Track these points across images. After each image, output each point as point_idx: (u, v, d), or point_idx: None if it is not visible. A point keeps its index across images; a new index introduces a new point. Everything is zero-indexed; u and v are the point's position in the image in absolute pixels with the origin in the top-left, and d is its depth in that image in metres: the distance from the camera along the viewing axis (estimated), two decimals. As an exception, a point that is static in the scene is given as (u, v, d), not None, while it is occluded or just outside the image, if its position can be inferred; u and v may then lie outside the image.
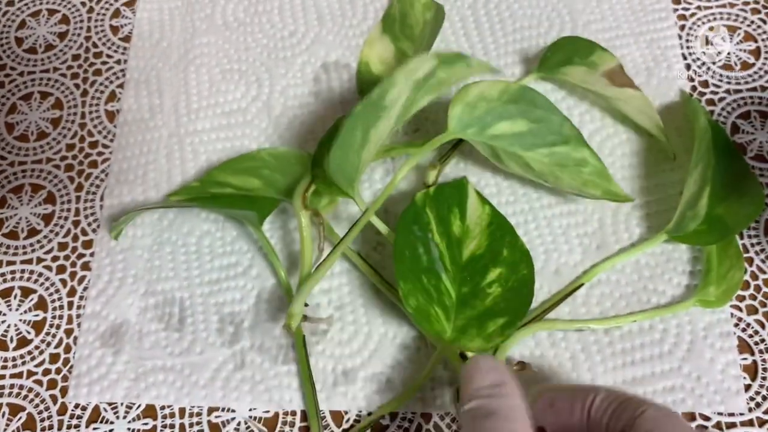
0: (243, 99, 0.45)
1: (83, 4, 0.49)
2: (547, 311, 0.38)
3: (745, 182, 0.39)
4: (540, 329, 0.37)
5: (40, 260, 0.41)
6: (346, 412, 0.37)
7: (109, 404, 0.38)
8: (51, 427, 0.37)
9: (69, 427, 0.37)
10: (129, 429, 0.37)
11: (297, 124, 0.44)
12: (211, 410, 0.38)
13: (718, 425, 0.36)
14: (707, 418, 0.36)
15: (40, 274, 0.41)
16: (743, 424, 0.36)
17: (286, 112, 0.44)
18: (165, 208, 0.39)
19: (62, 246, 0.42)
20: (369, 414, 0.37)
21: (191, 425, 0.37)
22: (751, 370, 0.37)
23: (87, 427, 0.37)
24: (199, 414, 0.38)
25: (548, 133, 0.38)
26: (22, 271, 0.41)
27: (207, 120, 0.44)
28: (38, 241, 0.42)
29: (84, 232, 0.42)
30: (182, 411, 0.38)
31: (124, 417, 0.38)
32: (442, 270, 0.35)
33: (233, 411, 0.38)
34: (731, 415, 0.36)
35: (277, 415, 0.38)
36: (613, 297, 0.38)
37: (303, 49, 0.46)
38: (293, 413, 0.38)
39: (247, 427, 0.37)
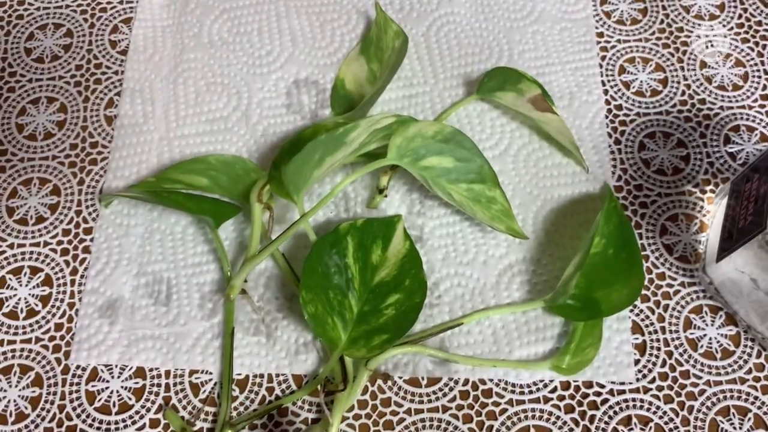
0: (225, 108, 0.52)
1: (85, 20, 0.56)
2: (425, 338, 0.45)
3: (631, 276, 0.44)
4: (412, 351, 0.44)
5: (46, 244, 0.48)
6: (305, 376, 0.45)
7: (105, 366, 0.45)
8: (56, 383, 0.45)
9: (71, 384, 0.45)
10: (123, 387, 0.45)
11: (270, 132, 0.51)
12: (192, 372, 0.45)
13: (610, 392, 0.44)
14: (602, 386, 0.44)
15: (47, 256, 0.48)
16: (631, 391, 0.44)
17: (261, 121, 0.51)
18: (133, 198, 0.46)
19: (66, 232, 0.49)
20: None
21: (175, 384, 0.45)
22: (641, 348, 0.45)
23: (87, 384, 0.45)
24: (181, 375, 0.45)
25: (469, 172, 0.45)
26: (31, 252, 0.48)
27: (193, 126, 0.51)
28: (45, 227, 0.49)
29: (85, 221, 0.49)
30: (167, 373, 0.45)
31: (118, 377, 0.45)
32: (350, 290, 0.43)
33: (210, 373, 0.45)
34: (622, 383, 0.44)
35: (247, 377, 0.45)
36: (486, 341, 0.45)
37: (278, 67, 0.53)
38: (261, 376, 0.45)
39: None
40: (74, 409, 0.44)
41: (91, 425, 0.43)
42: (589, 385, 0.44)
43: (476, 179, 0.46)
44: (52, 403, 0.44)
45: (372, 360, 0.43)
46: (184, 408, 0.44)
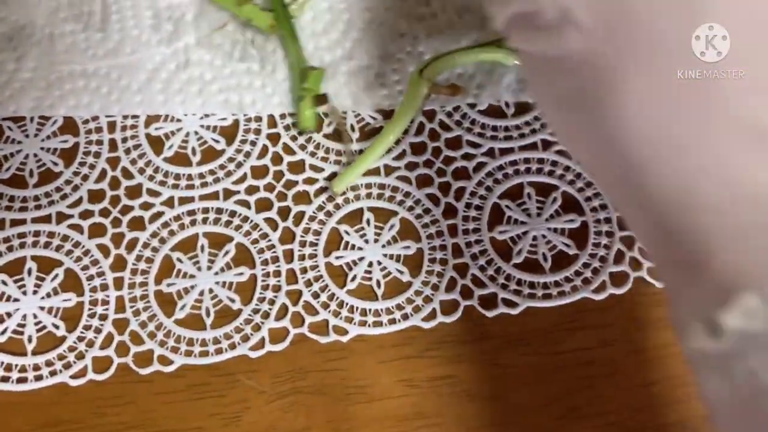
0: None
1: None
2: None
3: None
4: (490, 58, 0.29)
5: None
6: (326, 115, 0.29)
7: (14, 120, 0.29)
8: (-62, 151, 0.28)
9: (-38, 150, 0.28)
10: (43, 149, 0.28)
11: None
12: (150, 121, 0.29)
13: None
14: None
15: None
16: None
17: None
18: None
19: (-58, -56, 0.32)
20: (355, 114, 0.29)
21: (125, 140, 0.29)
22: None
23: (-14, 148, 0.29)
24: (134, 126, 0.29)
25: None
26: None
27: None
28: None
29: (-30, -73, 0.32)
30: (111, 124, 0.29)
31: (36, 135, 0.29)
32: None
33: (179, 120, 0.29)
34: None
35: (237, 122, 0.29)
36: None
37: None
38: (258, 119, 0.29)
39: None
40: (-31, 184, 0.28)
41: (-4, 205, 0.28)
42: None
43: None
44: (-65, 179, 0.28)
45: (430, 66, 0.27)
46: (141, 172, 0.28)
